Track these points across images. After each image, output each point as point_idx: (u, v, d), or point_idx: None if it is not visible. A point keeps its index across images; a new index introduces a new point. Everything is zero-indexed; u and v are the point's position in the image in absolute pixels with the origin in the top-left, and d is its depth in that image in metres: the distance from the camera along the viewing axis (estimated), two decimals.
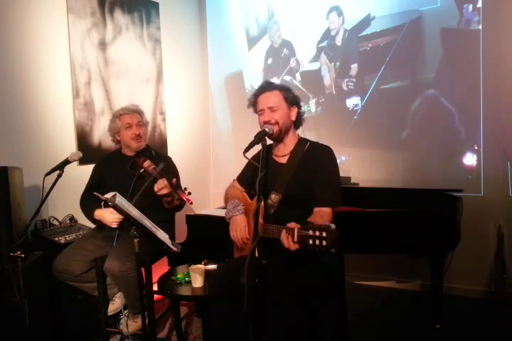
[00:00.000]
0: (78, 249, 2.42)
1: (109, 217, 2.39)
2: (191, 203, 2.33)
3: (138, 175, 2.45)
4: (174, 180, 2.31)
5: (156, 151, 2.72)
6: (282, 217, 1.90)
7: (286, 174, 2.01)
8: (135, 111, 2.62)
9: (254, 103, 2.08)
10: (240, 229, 2.02)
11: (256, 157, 2.05)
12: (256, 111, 2.08)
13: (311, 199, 1.96)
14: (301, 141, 2.10)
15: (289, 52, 3.84)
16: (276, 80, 3.86)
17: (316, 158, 2.01)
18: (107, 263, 2.28)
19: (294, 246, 1.64)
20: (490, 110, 3.09)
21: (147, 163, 2.39)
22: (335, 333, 2.43)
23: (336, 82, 3.63)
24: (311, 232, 1.54)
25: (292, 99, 2.04)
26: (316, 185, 1.97)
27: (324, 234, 1.50)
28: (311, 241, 1.53)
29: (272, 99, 2.01)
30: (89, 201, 2.51)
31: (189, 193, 2.33)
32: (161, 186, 2.27)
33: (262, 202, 1.91)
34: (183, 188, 2.39)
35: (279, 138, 2.06)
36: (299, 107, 2.09)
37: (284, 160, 2.08)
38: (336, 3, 3.58)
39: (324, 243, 1.50)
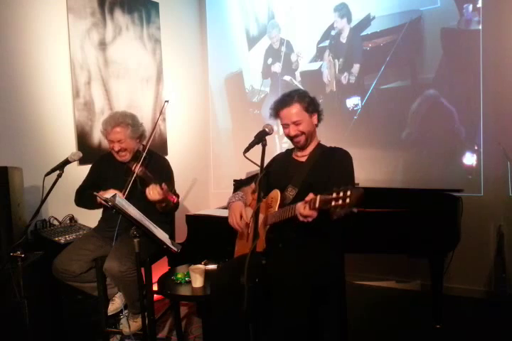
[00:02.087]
0: (78, 248, 2.42)
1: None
2: (176, 202, 2.35)
3: (132, 180, 2.41)
4: (164, 185, 2.27)
5: (152, 152, 2.64)
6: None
7: (304, 170, 2.12)
8: (118, 125, 2.45)
9: (275, 116, 2.17)
10: (234, 214, 2.10)
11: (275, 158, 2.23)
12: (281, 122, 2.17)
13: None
14: (320, 145, 2.22)
15: (288, 50, 3.83)
16: (276, 80, 3.87)
17: (333, 157, 2.12)
18: (106, 264, 2.28)
19: (308, 212, 1.66)
20: (490, 110, 3.09)
21: (138, 169, 2.39)
22: (335, 333, 2.43)
23: (337, 81, 3.63)
24: (334, 195, 1.53)
25: (312, 107, 2.12)
26: (331, 179, 2.00)
27: (348, 193, 1.49)
28: (333, 203, 1.51)
29: (295, 114, 2.09)
30: (87, 194, 2.50)
31: (177, 195, 2.37)
32: (153, 191, 2.26)
33: (279, 194, 2.00)
34: (175, 190, 2.42)
35: (305, 146, 2.17)
36: (319, 109, 2.17)
37: (303, 159, 2.19)
38: (339, 2, 3.57)
39: (347, 201, 1.48)
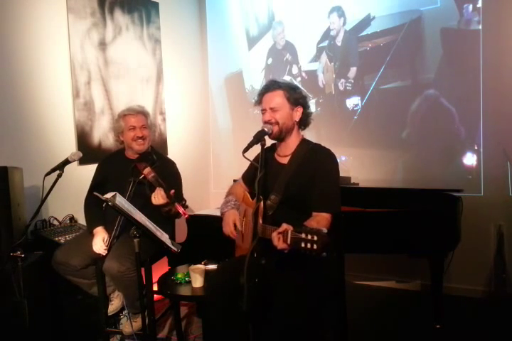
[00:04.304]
0: (80, 243, 2.42)
1: (98, 243, 2.37)
2: (187, 217, 2.29)
3: (138, 181, 2.39)
4: (172, 191, 2.27)
5: (160, 155, 2.65)
6: (280, 218, 1.89)
7: (286, 175, 2.02)
8: (140, 113, 2.56)
9: (259, 102, 2.08)
10: (226, 223, 2.06)
11: (258, 156, 2.05)
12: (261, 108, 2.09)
13: (310, 202, 1.96)
14: (304, 142, 2.09)
15: (291, 57, 3.83)
16: None
17: (317, 161, 2.00)
18: (106, 264, 2.28)
19: (282, 246, 1.64)
20: (490, 110, 3.09)
21: (147, 170, 2.33)
22: (335, 333, 2.43)
23: (336, 82, 3.63)
24: (303, 235, 1.54)
25: (296, 100, 2.02)
26: (315, 189, 1.95)
27: (315, 238, 1.50)
28: (303, 244, 1.53)
29: (274, 100, 2.00)
30: (93, 209, 2.52)
31: (186, 206, 2.30)
32: (158, 196, 2.25)
33: (262, 202, 1.91)
34: (182, 199, 2.36)
35: (279, 138, 2.05)
36: (305, 107, 2.06)
37: (285, 160, 2.08)
38: (336, 4, 3.58)
39: (315, 247, 1.50)
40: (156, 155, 2.57)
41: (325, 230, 1.52)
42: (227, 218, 2.08)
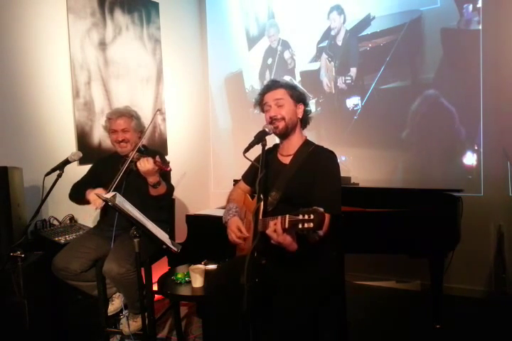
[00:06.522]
0: (80, 246, 2.42)
1: (93, 196, 2.35)
2: (169, 170, 2.33)
3: (129, 171, 2.40)
4: (157, 157, 2.28)
5: (148, 148, 2.67)
6: (280, 214, 1.89)
7: (287, 174, 2.03)
8: (123, 115, 2.53)
9: (260, 102, 2.09)
10: (231, 230, 2.04)
11: (259, 157, 2.04)
12: (262, 111, 2.10)
13: (310, 202, 1.95)
14: (307, 143, 2.10)
15: (285, 50, 3.84)
16: None
17: (318, 162, 2.01)
18: (105, 266, 2.27)
19: (280, 239, 1.66)
20: (490, 110, 3.09)
21: (131, 153, 2.36)
22: (335, 333, 2.43)
23: (336, 82, 3.63)
24: (300, 216, 1.56)
25: (298, 97, 2.05)
26: (316, 191, 1.95)
27: (312, 217, 1.52)
28: (300, 226, 1.55)
29: (279, 95, 2.02)
30: (80, 190, 2.52)
31: (168, 162, 2.34)
32: (144, 162, 2.25)
33: (262, 203, 1.91)
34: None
35: (285, 134, 2.06)
36: (306, 105, 2.09)
37: (287, 160, 2.08)
38: (336, 3, 3.59)
39: (311, 225, 1.52)
40: (146, 149, 2.59)
41: (321, 209, 1.54)
42: (230, 225, 2.06)
